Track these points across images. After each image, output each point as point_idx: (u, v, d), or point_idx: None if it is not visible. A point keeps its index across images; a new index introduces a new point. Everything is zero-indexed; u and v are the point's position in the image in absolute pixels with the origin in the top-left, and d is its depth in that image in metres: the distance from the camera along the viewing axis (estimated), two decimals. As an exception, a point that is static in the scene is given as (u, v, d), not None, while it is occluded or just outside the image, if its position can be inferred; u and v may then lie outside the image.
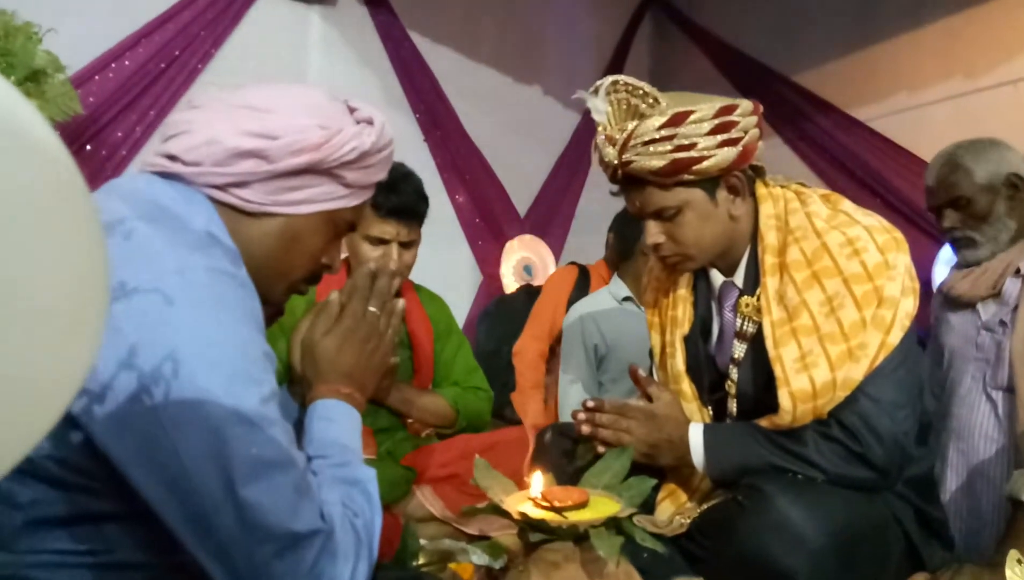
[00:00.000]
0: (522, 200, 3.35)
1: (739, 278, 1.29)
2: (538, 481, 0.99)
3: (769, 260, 1.23)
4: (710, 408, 1.34)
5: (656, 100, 1.19)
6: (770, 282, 1.22)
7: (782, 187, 1.30)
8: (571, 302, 2.51)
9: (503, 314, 2.77)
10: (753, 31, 3.42)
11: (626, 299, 2.34)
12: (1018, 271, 1.59)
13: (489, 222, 3.21)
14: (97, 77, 2.39)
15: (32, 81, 1.73)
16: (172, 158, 0.84)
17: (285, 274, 0.90)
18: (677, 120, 1.16)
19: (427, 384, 1.83)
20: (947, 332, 1.70)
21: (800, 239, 1.21)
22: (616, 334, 2.29)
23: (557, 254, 3.37)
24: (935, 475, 1.33)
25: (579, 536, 0.94)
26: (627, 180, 1.23)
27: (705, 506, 1.22)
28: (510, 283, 3.14)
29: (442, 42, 3.15)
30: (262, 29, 2.72)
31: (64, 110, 1.93)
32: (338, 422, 0.90)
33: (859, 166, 2.98)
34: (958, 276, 1.69)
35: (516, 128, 3.33)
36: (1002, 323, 1.60)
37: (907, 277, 1.16)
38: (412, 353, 1.81)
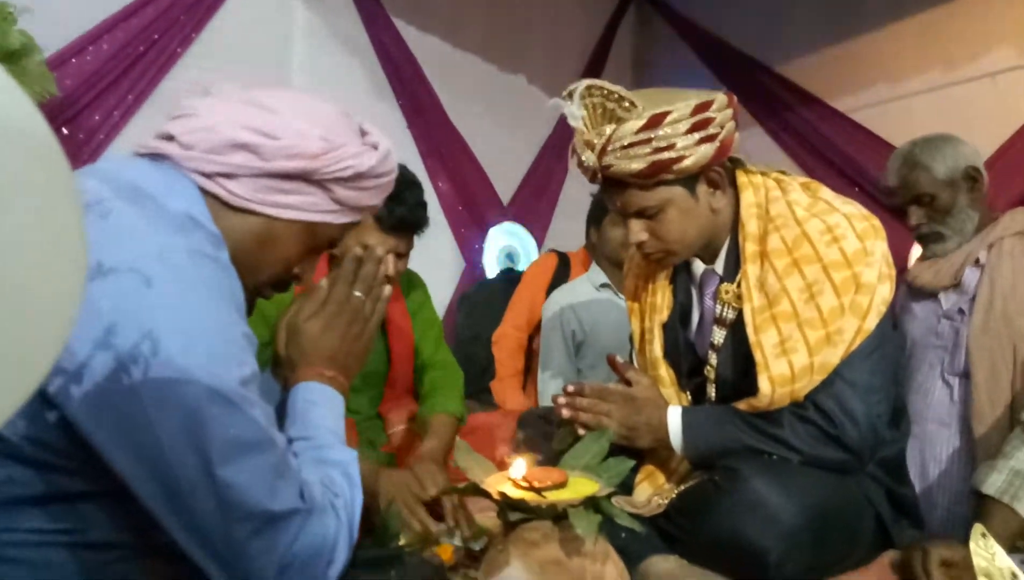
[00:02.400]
0: (505, 187, 3.35)
1: (720, 266, 1.31)
2: (518, 462, 1.00)
3: (750, 248, 1.24)
4: (688, 393, 1.36)
5: (632, 104, 1.18)
6: (751, 269, 1.23)
7: (762, 175, 1.31)
8: (551, 290, 2.52)
9: (483, 299, 2.77)
10: (736, 22, 3.43)
11: (603, 286, 2.35)
12: (977, 261, 1.63)
13: (472, 209, 3.21)
14: (74, 60, 2.34)
15: (7, 62, 1.70)
16: (170, 138, 0.84)
17: (252, 273, 0.89)
18: (654, 122, 1.16)
19: (405, 366, 1.81)
20: (910, 321, 1.73)
21: (781, 227, 1.22)
22: (593, 321, 2.31)
23: (540, 242, 3.37)
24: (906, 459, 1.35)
25: (558, 515, 0.94)
26: (608, 182, 1.24)
27: (682, 487, 1.24)
28: (493, 270, 3.15)
29: (426, 30, 3.13)
30: (244, 14, 2.69)
31: (40, 92, 1.90)
32: (320, 404, 0.90)
33: (839, 156, 3.01)
34: (921, 267, 1.72)
35: (500, 116, 3.32)
36: (961, 311, 1.63)
37: (884, 264, 1.18)
38: (386, 338, 1.80)
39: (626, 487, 1.26)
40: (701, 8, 3.59)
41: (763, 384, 1.18)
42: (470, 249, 3.19)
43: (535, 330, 2.55)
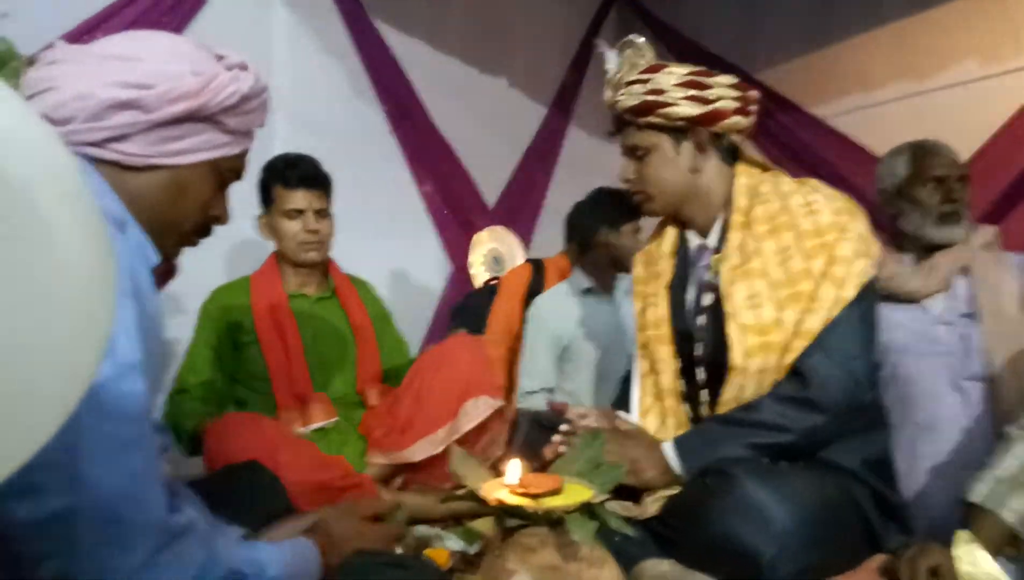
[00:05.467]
0: (491, 191, 3.35)
1: (712, 239, 1.42)
2: (514, 469, 1.01)
3: (737, 219, 1.36)
4: (680, 361, 1.42)
5: (643, 54, 1.41)
6: (733, 236, 1.35)
7: (762, 169, 1.44)
8: (527, 299, 2.52)
9: (469, 312, 2.77)
10: (715, 28, 3.48)
11: (587, 290, 2.37)
12: (964, 268, 1.66)
13: (457, 213, 3.20)
14: (54, 62, 2.31)
15: (-11, 69, 1.67)
16: None
17: (175, 227, 0.89)
18: (653, 69, 1.37)
19: (372, 370, 1.94)
20: (890, 329, 1.67)
21: (767, 201, 1.35)
22: (577, 325, 2.33)
23: (526, 244, 3.38)
24: (893, 463, 1.38)
25: (554, 521, 0.96)
26: (617, 122, 1.43)
27: (676, 489, 1.26)
28: (479, 274, 3.15)
29: (409, 32, 3.12)
30: (224, 17, 2.66)
31: (20, 97, 1.86)
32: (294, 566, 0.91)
33: (816, 162, 3.06)
34: (905, 273, 1.71)
35: (484, 119, 3.32)
36: (968, 316, 1.62)
37: (862, 242, 1.29)
38: (356, 342, 1.93)
39: (627, 490, 1.27)
40: (681, 14, 3.63)
41: (732, 332, 1.27)
42: (456, 252, 3.19)
43: (515, 341, 2.55)
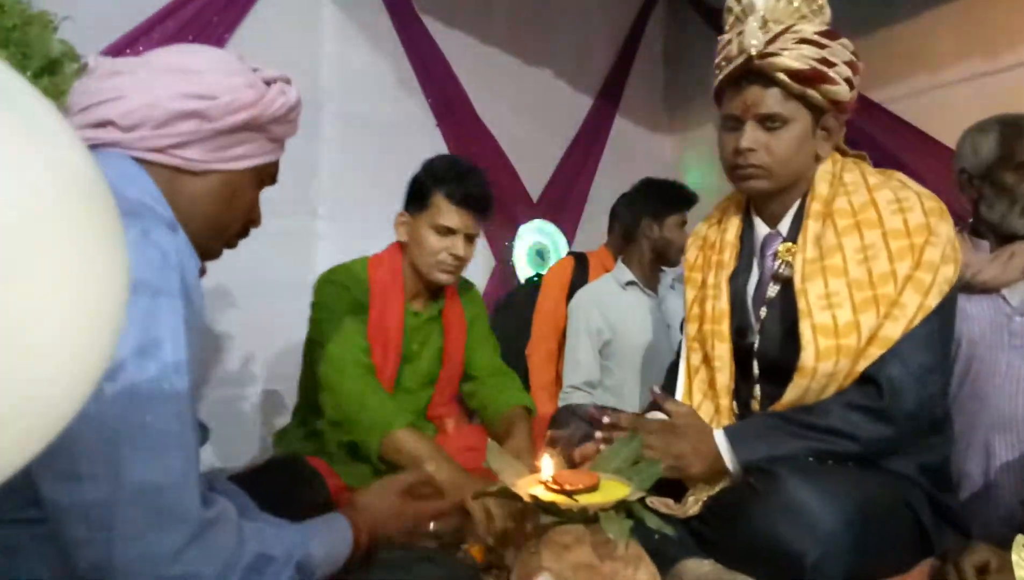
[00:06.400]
0: (535, 184, 3.34)
1: (784, 227, 1.34)
2: (548, 465, 1.00)
3: (815, 208, 1.27)
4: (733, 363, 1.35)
5: (821, 8, 1.27)
6: (812, 226, 1.26)
7: (843, 154, 1.35)
8: (571, 293, 2.50)
9: (511, 310, 2.76)
10: (769, 11, 3.37)
11: (629, 284, 2.34)
12: None
13: (502, 206, 3.19)
14: (111, 64, 2.39)
15: (47, 71, 1.74)
16: (104, 125, 0.86)
17: (224, 229, 0.96)
18: (831, 35, 1.23)
19: (447, 397, 1.84)
20: (961, 319, 1.57)
21: (851, 193, 1.27)
22: (619, 319, 2.30)
23: (570, 238, 3.36)
24: (951, 467, 1.31)
25: (589, 519, 0.94)
26: (750, 76, 1.25)
27: (719, 488, 1.22)
28: (523, 268, 3.14)
29: (454, 25, 3.13)
30: (275, 14, 2.71)
31: (78, 99, 1.92)
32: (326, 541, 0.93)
33: (876, 148, 2.93)
34: (982, 261, 1.59)
35: (529, 111, 3.31)
36: None
37: (949, 246, 1.20)
38: (441, 369, 1.81)
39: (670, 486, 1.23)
40: (733, -2, 3.53)
41: (805, 331, 1.18)
42: (499, 247, 3.18)
43: (563, 336, 2.53)
